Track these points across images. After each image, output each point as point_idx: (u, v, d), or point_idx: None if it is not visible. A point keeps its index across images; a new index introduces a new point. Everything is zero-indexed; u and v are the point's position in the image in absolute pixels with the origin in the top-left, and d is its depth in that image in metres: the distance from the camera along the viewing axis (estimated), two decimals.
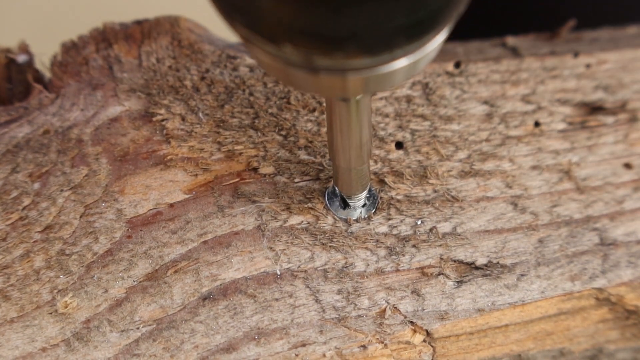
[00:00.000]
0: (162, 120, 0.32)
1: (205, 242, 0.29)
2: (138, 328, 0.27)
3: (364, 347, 0.28)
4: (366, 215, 0.30)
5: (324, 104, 0.33)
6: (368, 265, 0.29)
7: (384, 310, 0.28)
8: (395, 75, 0.19)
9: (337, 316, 0.28)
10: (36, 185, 0.30)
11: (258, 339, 0.27)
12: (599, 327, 0.30)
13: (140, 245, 0.29)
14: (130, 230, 0.29)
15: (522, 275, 0.30)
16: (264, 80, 0.34)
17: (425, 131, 0.33)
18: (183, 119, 0.32)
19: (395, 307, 0.28)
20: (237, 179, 0.31)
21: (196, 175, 0.31)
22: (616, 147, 0.34)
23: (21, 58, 0.34)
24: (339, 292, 0.28)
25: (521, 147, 0.33)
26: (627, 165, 0.34)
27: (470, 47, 0.38)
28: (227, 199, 0.30)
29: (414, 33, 0.17)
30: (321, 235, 0.30)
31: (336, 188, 0.30)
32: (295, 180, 0.31)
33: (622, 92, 0.36)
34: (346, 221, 0.30)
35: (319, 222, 0.30)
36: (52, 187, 0.30)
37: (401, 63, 0.19)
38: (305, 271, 0.29)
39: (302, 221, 0.30)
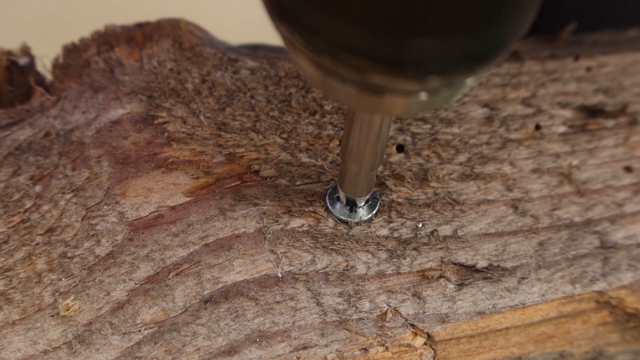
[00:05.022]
0: (164, 123, 0.32)
1: (206, 244, 0.29)
2: (140, 331, 0.27)
3: (365, 349, 0.28)
4: (367, 218, 0.30)
5: (326, 107, 0.33)
6: (369, 268, 0.29)
7: (385, 313, 0.28)
8: (433, 103, 0.19)
9: (338, 319, 0.28)
10: (38, 188, 0.30)
11: (259, 341, 0.27)
12: (599, 330, 0.30)
13: (142, 248, 0.29)
14: (132, 233, 0.29)
15: (523, 278, 0.30)
16: (265, 83, 0.34)
17: (425, 134, 0.33)
18: (184, 122, 0.32)
19: (397, 310, 0.28)
20: (238, 182, 0.31)
21: (198, 178, 0.31)
22: (616, 150, 0.34)
23: (22, 60, 0.34)
24: (340, 294, 0.29)
25: (522, 150, 0.33)
26: (628, 169, 0.34)
27: None
28: (228, 202, 0.30)
29: (476, 64, 0.18)
30: (322, 238, 0.30)
31: (338, 190, 0.30)
32: (297, 183, 0.31)
33: (623, 95, 0.36)
34: (347, 224, 0.30)
35: (320, 224, 0.30)
36: (53, 190, 0.30)
37: (445, 92, 0.19)
38: (307, 274, 0.29)
39: (304, 224, 0.30)
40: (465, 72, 0.18)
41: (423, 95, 0.19)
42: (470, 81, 0.19)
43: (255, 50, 0.36)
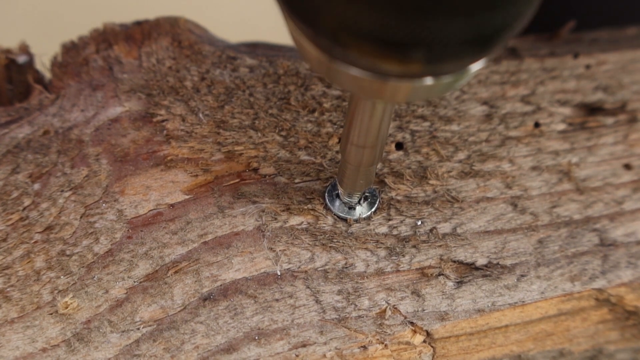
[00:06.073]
0: (163, 120, 0.32)
1: (205, 242, 0.29)
2: (138, 328, 0.27)
3: (364, 347, 0.28)
4: (366, 216, 0.30)
5: (325, 105, 0.33)
6: (368, 265, 0.29)
7: (384, 311, 0.28)
8: (437, 89, 0.19)
9: (337, 317, 0.28)
10: (36, 186, 0.30)
11: (258, 339, 0.27)
12: (598, 328, 0.30)
13: (140, 245, 0.29)
14: (130, 230, 0.29)
15: (522, 275, 0.30)
16: (263, 81, 0.34)
17: (425, 132, 0.33)
18: (183, 120, 0.32)
19: (396, 308, 0.28)
20: (237, 180, 0.31)
21: (196, 175, 0.31)
22: (616, 148, 0.34)
23: (21, 59, 0.34)
24: (339, 292, 0.28)
25: (521, 148, 0.33)
26: (627, 166, 0.34)
27: None
28: (227, 200, 0.30)
29: (479, 48, 0.18)
30: (321, 235, 0.30)
31: (337, 188, 0.30)
32: (296, 180, 0.31)
33: (622, 92, 0.36)
34: (346, 221, 0.30)
35: (319, 222, 0.30)
36: (52, 188, 0.30)
37: (448, 78, 0.19)
38: (306, 272, 0.29)
39: (302, 222, 0.30)
40: (470, 56, 0.18)
41: (427, 81, 0.19)
42: (473, 68, 0.19)
43: (254, 48, 0.36)
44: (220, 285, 0.28)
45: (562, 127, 0.35)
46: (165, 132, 0.32)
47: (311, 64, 0.20)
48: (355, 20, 0.16)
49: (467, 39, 0.17)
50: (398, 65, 0.18)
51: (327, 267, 0.29)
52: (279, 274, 0.29)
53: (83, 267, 0.28)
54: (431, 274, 0.29)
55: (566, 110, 0.35)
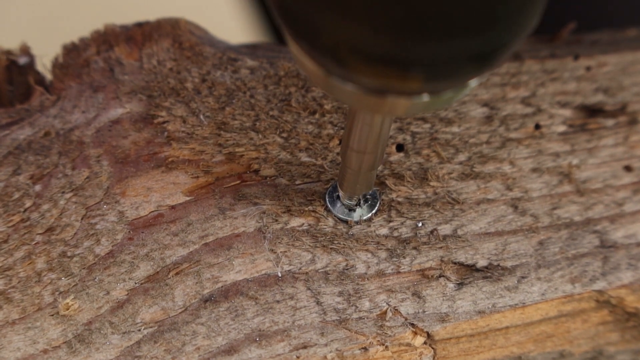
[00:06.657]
0: (163, 122, 0.32)
1: (206, 244, 0.29)
2: (139, 330, 0.27)
3: (365, 349, 0.28)
4: (367, 217, 0.30)
5: (326, 106, 0.33)
6: (369, 267, 0.29)
7: (385, 312, 0.28)
8: (436, 104, 0.19)
9: (338, 318, 0.28)
10: (37, 187, 0.30)
11: (259, 340, 0.27)
12: (599, 330, 0.31)
13: (141, 247, 0.29)
14: (131, 232, 0.29)
15: (523, 277, 0.30)
16: (264, 83, 0.34)
17: (425, 133, 0.33)
18: (184, 121, 0.32)
19: (396, 309, 0.28)
20: (238, 181, 0.31)
21: (197, 177, 0.31)
22: (616, 150, 0.34)
23: (22, 60, 0.34)
24: (340, 294, 0.29)
25: (521, 150, 0.33)
26: (627, 168, 0.34)
27: None
28: (228, 201, 0.30)
29: (480, 66, 0.18)
30: (322, 237, 0.30)
31: (338, 190, 0.30)
32: (296, 182, 0.31)
33: (622, 94, 0.36)
34: (347, 223, 0.30)
35: (320, 224, 0.30)
36: (53, 189, 0.30)
37: (447, 94, 0.19)
38: (307, 273, 0.29)
39: (303, 223, 0.30)
40: (470, 73, 0.18)
41: (425, 97, 0.19)
42: (473, 83, 0.19)
43: (254, 49, 0.36)
44: (221, 286, 0.28)
45: (562, 128, 0.35)
46: (166, 133, 0.32)
47: (308, 76, 0.20)
48: (356, 41, 0.16)
49: (469, 57, 0.17)
50: (397, 83, 0.18)
51: (327, 268, 0.29)
52: (279, 275, 0.29)
53: (84, 268, 0.28)
54: (432, 276, 0.29)
55: (566, 112, 0.35)
